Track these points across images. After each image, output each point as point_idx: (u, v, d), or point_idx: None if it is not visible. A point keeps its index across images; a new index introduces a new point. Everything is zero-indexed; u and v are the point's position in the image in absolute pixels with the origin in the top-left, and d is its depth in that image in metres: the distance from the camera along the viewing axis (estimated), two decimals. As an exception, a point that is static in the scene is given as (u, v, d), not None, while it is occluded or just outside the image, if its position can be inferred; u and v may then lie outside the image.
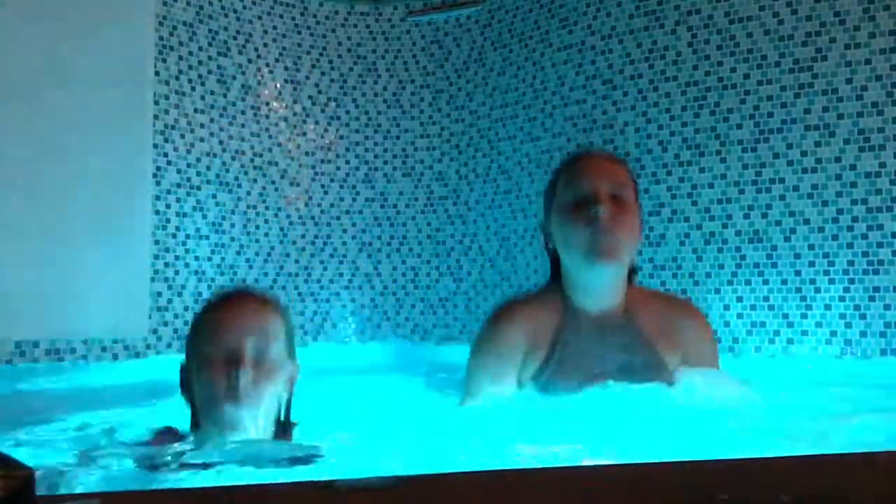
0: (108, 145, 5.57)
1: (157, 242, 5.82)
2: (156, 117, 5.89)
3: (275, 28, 6.85)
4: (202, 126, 6.22)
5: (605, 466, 1.89)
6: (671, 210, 5.50)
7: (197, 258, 6.10)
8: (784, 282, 5.04)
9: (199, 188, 6.15)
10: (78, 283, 5.36)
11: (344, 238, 7.07)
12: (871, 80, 4.85)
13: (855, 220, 4.84)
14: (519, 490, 1.39)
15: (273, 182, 6.72)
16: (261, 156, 6.66)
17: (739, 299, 5.18)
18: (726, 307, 5.22)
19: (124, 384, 5.00)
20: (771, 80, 5.17)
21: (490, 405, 2.74)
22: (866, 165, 4.83)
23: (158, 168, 5.88)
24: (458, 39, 7.09)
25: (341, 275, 7.01)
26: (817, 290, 4.92)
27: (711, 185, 5.34)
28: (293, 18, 6.99)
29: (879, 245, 4.75)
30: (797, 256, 5.01)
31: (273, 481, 1.86)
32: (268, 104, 6.76)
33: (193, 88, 6.18)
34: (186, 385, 2.29)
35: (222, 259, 6.28)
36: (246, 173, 6.53)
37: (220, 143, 6.34)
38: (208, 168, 6.24)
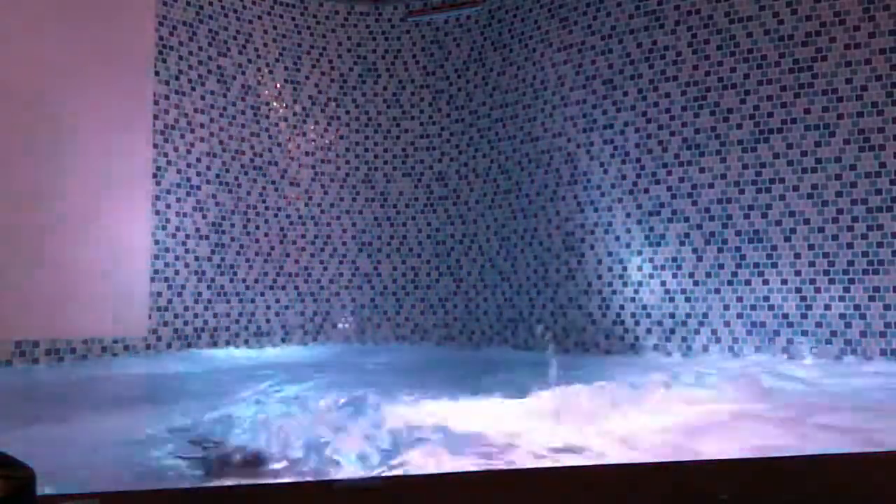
0: (108, 145, 5.57)
1: (157, 242, 5.83)
2: (156, 117, 5.89)
3: (275, 28, 6.85)
4: (202, 126, 6.22)
5: (605, 466, 1.89)
6: (671, 210, 5.50)
7: (197, 258, 6.11)
8: (784, 282, 5.04)
9: (199, 188, 6.15)
10: (78, 283, 5.36)
11: (344, 238, 7.08)
12: (871, 80, 4.85)
13: (855, 220, 4.84)
14: (517, 490, 1.39)
15: (273, 182, 6.72)
16: (261, 156, 6.66)
17: (739, 299, 5.18)
18: (726, 307, 5.22)
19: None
20: (771, 80, 5.17)
21: None
22: (866, 165, 4.83)
23: (158, 168, 5.88)
24: (458, 39, 7.09)
25: (341, 275, 7.02)
26: (817, 290, 4.92)
27: (711, 185, 5.34)
28: (293, 18, 6.99)
29: (879, 245, 4.75)
30: (797, 256, 5.01)
31: (273, 481, 1.86)
32: (268, 104, 6.76)
33: (193, 88, 6.18)
34: None
35: (222, 259, 6.29)
36: (246, 173, 6.53)
37: (220, 143, 6.34)
38: (208, 168, 6.24)
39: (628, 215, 5.68)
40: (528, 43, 6.47)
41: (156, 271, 5.80)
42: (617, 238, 5.73)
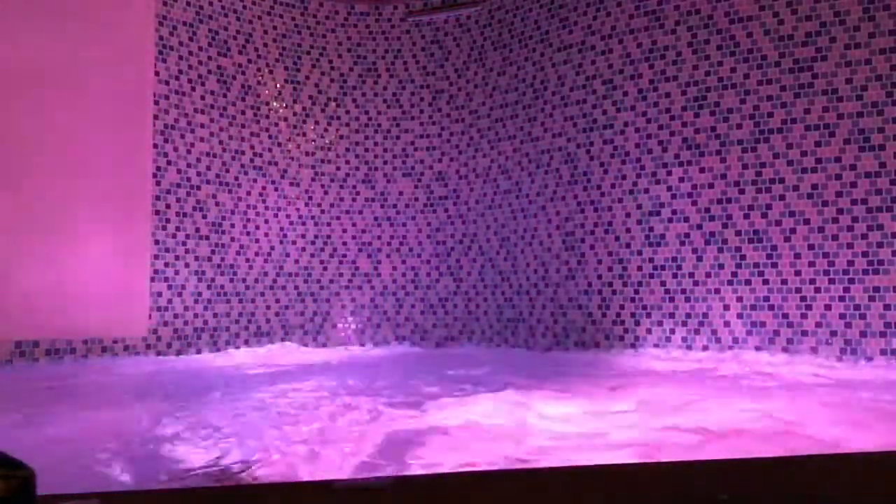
0: (108, 145, 5.57)
1: (157, 242, 5.83)
2: (156, 117, 5.89)
3: (275, 28, 6.85)
4: (202, 126, 6.22)
5: (605, 466, 1.89)
6: (671, 210, 5.50)
7: (197, 258, 6.11)
8: (784, 282, 5.04)
9: (199, 188, 6.16)
10: (78, 283, 5.36)
11: (344, 238, 7.08)
12: (871, 80, 4.85)
13: (855, 220, 4.84)
14: (518, 490, 1.39)
15: (273, 182, 6.73)
16: (261, 156, 6.67)
17: (739, 299, 5.18)
18: (726, 307, 5.22)
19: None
20: (771, 80, 5.17)
21: None
22: (866, 165, 4.83)
23: (158, 168, 5.88)
24: (458, 39, 7.09)
25: (341, 275, 7.02)
26: (817, 290, 4.92)
27: (711, 185, 5.34)
28: (293, 18, 6.99)
29: (879, 245, 4.75)
30: (797, 256, 5.01)
31: (273, 481, 1.87)
32: (268, 104, 6.76)
33: (193, 88, 6.18)
34: None
35: (222, 259, 6.29)
36: (246, 173, 6.54)
37: (220, 143, 6.35)
38: (208, 168, 6.25)
39: (628, 215, 5.68)
40: (528, 43, 6.48)
41: (156, 271, 5.80)
42: (617, 238, 5.73)
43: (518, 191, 6.45)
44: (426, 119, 7.14)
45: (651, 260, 5.55)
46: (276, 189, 6.72)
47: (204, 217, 6.17)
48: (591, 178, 5.91)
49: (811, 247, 4.95)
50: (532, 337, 6.18)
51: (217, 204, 6.28)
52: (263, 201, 6.64)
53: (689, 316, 5.36)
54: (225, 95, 6.39)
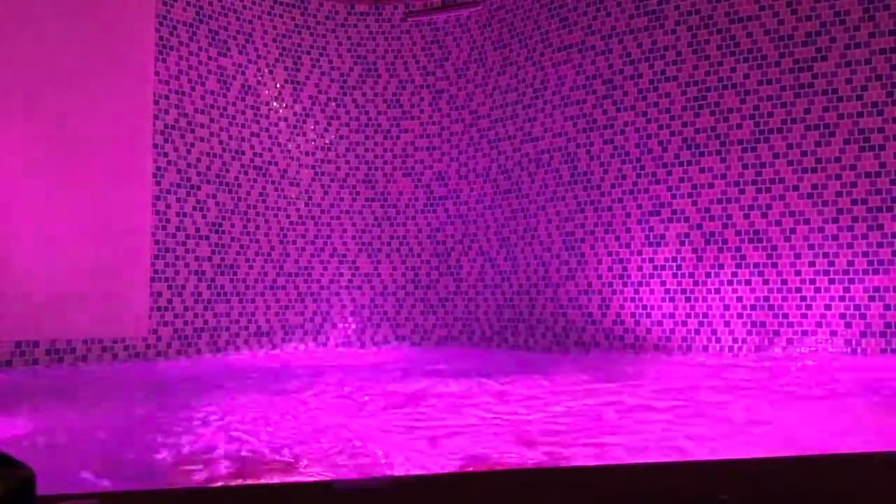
0: (108, 145, 5.57)
1: (157, 242, 5.83)
2: (156, 117, 5.89)
3: (275, 28, 6.85)
4: (202, 126, 6.22)
5: (605, 466, 1.89)
6: (671, 210, 5.50)
7: (197, 258, 6.11)
8: (784, 282, 5.04)
9: (199, 188, 6.15)
10: (78, 283, 5.36)
11: (344, 238, 7.08)
12: (871, 80, 4.85)
13: (855, 220, 4.84)
14: (517, 490, 1.39)
15: (273, 182, 6.73)
16: (261, 156, 6.66)
17: (739, 299, 5.18)
18: (726, 307, 5.22)
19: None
20: (771, 80, 5.17)
21: None
22: (866, 165, 4.83)
23: (158, 168, 5.88)
24: (458, 39, 7.09)
25: (341, 275, 7.02)
26: (817, 290, 4.92)
27: (711, 185, 5.34)
28: (293, 18, 6.99)
29: (879, 245, 4.75)
30: (797, 256, 5.01)
31: (273, 481, 1.87)
32: (268, 104, 6.76)
33: (193, 88, 6.18)
34: None
35: (222, 259, 6.29)
36: (246, 173, 6.54)
37: (221, 143, 6.35)
38: (208, 168, 6.25)
39: (628, 215, 5.68)
40: (528, 43, 6.47)
41: (156, 271, 5.80)
42: (617, 238, 5.73)
43: (518, 191, 6.45)
44: (426, 119, 7.14)
45: (651, 260, 5.55)
46: (276, 189, 6.72)
47: (204, 217, 6.17)
48: (591, 178, 5.91)
49: (811, 247, 4.95)
50: (532, 337, 6.18)
51: (217, 204, 6.28)
52: (263, 201, 6.64)
53: (688, 316, 5.36)
54: (225, 95, 6.39)
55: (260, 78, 6.69)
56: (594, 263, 5.84)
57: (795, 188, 5.02)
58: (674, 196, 5.48)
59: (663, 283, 5.48)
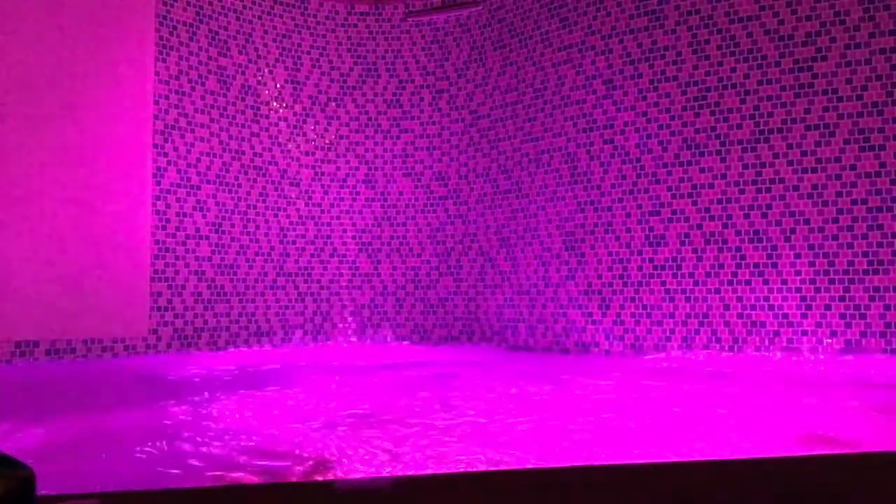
0: (108, 145, 5.57)
1: (157, 242, 5.83)
2: (156, 117, 5.89)
3: (275, 28, 6.85)
4: (202, 126, 6.23)
5: (605, 466, 1.89)
6: (671, 210, 5.50)
7: (197, 258, 6.11)
8: (784, 282, 5.04)
9: (199, 188, 6.16)
10: (78, 283, 5.36)
11: (344, 238, 7.08)
12: (871, 80, 4.85)
13: (855, 220, 4.84)
14: (517, 490, 1.39)
15: (273, 182, 6.73)
16: (261, 156, 6.67)
17: (739, 299, 5.18)
18: (726, 307, 5.23)
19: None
20: (771, 80, 5.17)
21: None
22: (866, 165, 4.83)
23: (158, 168, 5.88)
24: (458, 39, 7.09)
25: (341, 275, 7.02)
26: (817, 290, 4.92)
27: (711, 185, 5.34)
28: (293, 18, 6.99)
29: (879, 245, 4.75)
30: (797, 256, 5.01)
31: (273, 481, 1.87)
32: (268, 104, 6.76)
33: (193, 88, 6.18)
34: None
35: (222, 259, 6.29)
36: (246, 173, 6.54)
37: (221, 143, 6.35)
38: (208, 168, 6.25)
39: (628, 215, 5.68)
40: (528, 43, 6.47)
41: (156, 271, 5.80)
42: (617, 238, 5.73)
43: (518, 191, 6.45)
44: (426, 119, 7.14)
45: (651, 260, 5.55)
46: (276, 189, 6.73)
47: (204, 217, 6.17)
48: (591, 178, 5.91)
49: (811, 247, 4.96)
50: (532, 337, 6.18)
51: (217, 204, 6.28)
52: (263, 201, 6.64)
53: (689, 316, 5.36)
54: (225, 95, 6.40)
55: (260, 78, 6.69)
56: (594, 263, 5.84)
57: (795, 188, 5.02)
58: (674, 196, 5.48)
59: (663, 283, 5.48)
